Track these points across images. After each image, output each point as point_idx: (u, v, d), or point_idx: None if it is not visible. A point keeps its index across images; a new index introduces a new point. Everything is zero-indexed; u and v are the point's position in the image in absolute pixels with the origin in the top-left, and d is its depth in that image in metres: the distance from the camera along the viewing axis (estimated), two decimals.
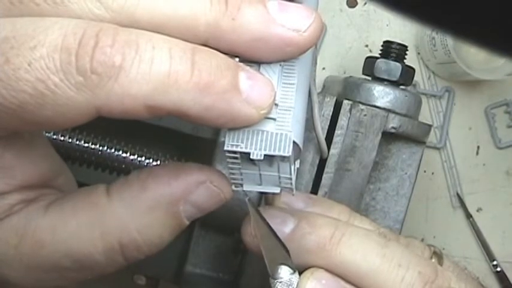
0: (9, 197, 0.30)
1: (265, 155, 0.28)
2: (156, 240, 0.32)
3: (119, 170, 0.46)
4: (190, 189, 0.31)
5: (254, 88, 0.27)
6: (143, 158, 0.46)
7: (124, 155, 0.45)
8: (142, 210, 0.31)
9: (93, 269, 0.31)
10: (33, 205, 0.31)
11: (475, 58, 0.54)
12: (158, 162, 0.46)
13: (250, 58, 0.28)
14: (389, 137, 0.45)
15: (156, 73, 0.26)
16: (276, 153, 0.27)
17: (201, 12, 0.27)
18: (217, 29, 0.27)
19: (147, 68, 0.26)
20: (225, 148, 0.28)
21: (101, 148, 0.45)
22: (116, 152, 0.45)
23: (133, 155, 0.46)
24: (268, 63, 0.29)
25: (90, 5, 0.27)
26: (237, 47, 0.28)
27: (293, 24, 0.28)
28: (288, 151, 0.27)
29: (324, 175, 0.44)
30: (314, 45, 0.29)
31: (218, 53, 0.27)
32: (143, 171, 0.32)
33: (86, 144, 0.45)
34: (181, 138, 0.47)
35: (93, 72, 0.25)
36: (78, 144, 0.45)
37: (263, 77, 0.28)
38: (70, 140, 0.45)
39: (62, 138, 0.45)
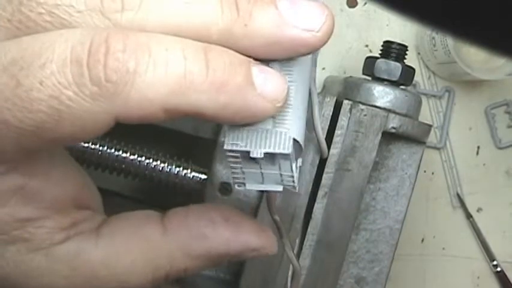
0: (45, 223, 0.30)
1: (265, 153, 0.28)
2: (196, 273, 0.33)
3: (119, 170, 0.46)
4: (245, 253, 0.32)
5: (267, 82, 0.27)
6: (143, 158, 0.46)
7: (124, 155, 0.45)
8: (195, 255, 0.31)
9: None
10: (80, 236, 0.30)
11: (475, 58, 0.54)
12: (158, 162, 0.46)
13: (261, 59, 0.28)
14: (389, 137, 0.45)
15: (171, 75, 0.25)
16: (276, 150, 0.27)
17: (213, 21, 0.27)
18: (230, 37, 0.27)
19: (162, 71, 0.25)
20: (225, 147, 0.28)
21: (101, 148, 0.45)
22: (116, 152, 0.45)
23: (134, 155, 0.45)
24: (267, 61, 0.29)
25: (97, 22, 0.26)
26: (251, 51, 0.27)
27: (306, 25, 0.27)
28: (287, 148, 0.27)
29: (324, 175, 0.44)
30: (327, 42, 0.29)
31: (229, 50, 0.27)
32: (204, 216, 0.32)
33: (86, 144, 0.45)
34: (181, 138, 0.47)
35: (108, 80, 0.25)
36: (78, 145, 0.45)
37: (273, 70, 0.28)
38: None
39: None
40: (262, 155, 0.28)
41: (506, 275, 0.58)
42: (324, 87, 0.54)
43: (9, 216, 0.29)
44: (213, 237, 0.31)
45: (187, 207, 0.33)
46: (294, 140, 0.28)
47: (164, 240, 0.31)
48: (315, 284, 0.44)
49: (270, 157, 0.28)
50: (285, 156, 0.28)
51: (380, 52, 0.48)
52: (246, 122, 0.28)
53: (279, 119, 0.28)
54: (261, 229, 0.33)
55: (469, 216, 0.58)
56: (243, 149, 0.28)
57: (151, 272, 0.31)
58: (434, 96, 0.58)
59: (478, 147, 0.59)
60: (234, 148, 0.28)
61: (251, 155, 0.28)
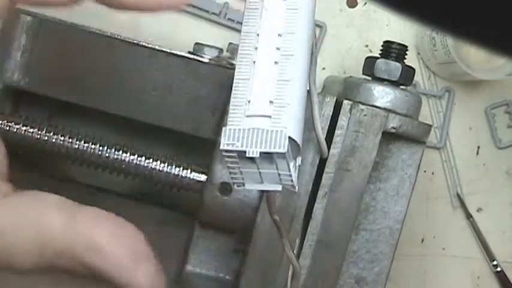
0: None
1: (261, 153, 0.28)
2: None
3: (119, 170, 0.46)
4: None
5: None
6: (143, 158, 0.46)
7: (124, 155, 0.45)
8: (83, 262, 0.31)
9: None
10: None
11: (475, 58, 0.54)
12: (158, 162, 0.46)
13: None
14: (389, 137, 0.45)
15: None
16: (271, 150, 0.28)
17: None
18: None
19: None
20: (221, 148, 0.28)
21: (101, 148, 0.45)
22: (116, 152, 0.45)
23: (133, 155, 0.45)
24: (263, 61, 0.29)
25: None
26: None
27: None
28: (283, 147, 0.27)
29: (324, 175, 0.44)
30: None
31: None
32: (108, 224, 0.31)
33: (86, 144, 0.45)
34: (181, 138, 0.47)
35: None
36: (78, 144, 0.45)
37: None
38: (70, 140, 0.45)
39: (62, 138, 0.45)
40: (258, 155, 0.28)
41: (506, 275, 0.58)
42: (324, 87, 0.54)
43: None
44: (110, 265, 0.31)
45: (108, 214, 0.32)
46: (291, 138, 0.28)
47: (59, 229, 0.30)
48: (315, 284, 0.44)
49: (267, 156, 0.28)
50: (281, 155, 0.28)
51: (380, 52, 0.48)
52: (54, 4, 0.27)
53: (275, 118, 0.28)
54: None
55: (469, 216, 0.58)
56: (239, 148, 0.28)
57: (38, 255, 0.30)
58: (434, 96, 0.58)
59: (478, 147, 0.59)
60: (230, 148, 0.28)
61: (247, 155, 0.28)
